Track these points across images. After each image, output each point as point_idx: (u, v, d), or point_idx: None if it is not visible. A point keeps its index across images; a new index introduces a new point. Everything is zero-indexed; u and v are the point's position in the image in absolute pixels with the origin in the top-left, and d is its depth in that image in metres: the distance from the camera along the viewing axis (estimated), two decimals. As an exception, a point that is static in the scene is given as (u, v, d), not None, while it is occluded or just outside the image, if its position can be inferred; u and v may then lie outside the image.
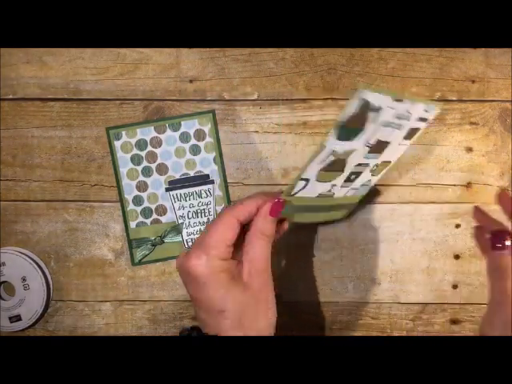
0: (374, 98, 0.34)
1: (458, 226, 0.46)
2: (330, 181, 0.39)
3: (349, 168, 0.39)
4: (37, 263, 0.46)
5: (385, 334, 0.47)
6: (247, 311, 0.34)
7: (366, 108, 0.34)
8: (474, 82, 0.46)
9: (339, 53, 0.46)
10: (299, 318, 0.47)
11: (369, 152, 0.38)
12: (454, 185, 0.46)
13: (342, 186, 0.40)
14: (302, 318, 0.47)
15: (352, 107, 0.33)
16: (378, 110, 0.34)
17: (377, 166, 0.40)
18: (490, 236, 0.35)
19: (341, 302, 0.47)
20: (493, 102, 0.46)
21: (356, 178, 0.40)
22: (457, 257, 0.47)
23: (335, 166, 0.37)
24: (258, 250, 0.34)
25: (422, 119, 0.38)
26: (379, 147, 0.38)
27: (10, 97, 0.47)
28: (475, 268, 0.46)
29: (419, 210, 0.46)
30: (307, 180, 0.37)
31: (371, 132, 0.36)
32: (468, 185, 0.46)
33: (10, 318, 0.46)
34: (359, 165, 0.39)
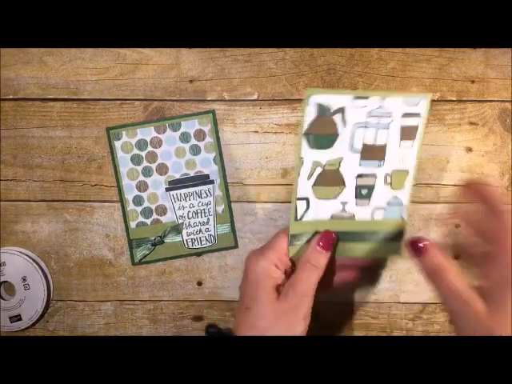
0: (327, 99, 0.34)
1: (457, 226, 0.46)
2: (333, 197, 0.37)
3: (349, 181, 0.37)
4: (37, 263, 0.46)
5: (384, 334, 0.47)
6: (269, 320, 0.35)
7: (324, 111, 0.34)
8: (473, 82, 0.46)
9: (339, 53, 0.46)
10: (299, 317, 0.47)
11: (362, 159, 0.37)
12: (454, 185, 0.46)
13: (358, 205, 0.38)
14: (302, 317, 0.47)
15: (308, 114, 0.34)
16: (339, 111, 0.34)
17: (390, 176, 0.37)
18: (408, 246, 0.36)
19: (341, 302, 0.47)
20: (492, 102, 0.46)
21: (370, 192, 0.38)
22: (457, 257, 0.47)
23: (329, 179, 0.37)
24: (301, 276, 0.36)
25: (411, 114, 0.36)
26: (373, 152, 0.37)
27: (11, 97, 0.47)
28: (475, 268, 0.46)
29: (419, 210, 0.46)
30: (306, 199, 0.37)
31: (349, 136, 0.36)
32: (468, 185, 0.46)
33: (10, 318, 0.46)
34: (361, 176, 0.37)
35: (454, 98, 0.46)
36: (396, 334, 0.47)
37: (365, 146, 0.36)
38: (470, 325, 0.31)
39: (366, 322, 0.47)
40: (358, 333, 0.47)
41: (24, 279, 0.46)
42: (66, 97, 0.47)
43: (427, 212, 0.46)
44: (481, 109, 0.46)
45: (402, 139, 0.37)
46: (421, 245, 0.34)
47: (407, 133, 0.36)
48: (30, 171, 0.47)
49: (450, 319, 0.34)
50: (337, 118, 0.35)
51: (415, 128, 0.36)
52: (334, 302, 0.47)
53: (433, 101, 0.46)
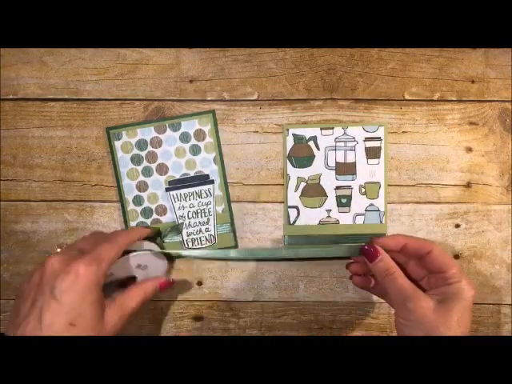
0: (301, 131, 0.45)
1: (457, 225, 0.46)
2: (319, 206, 0.46)
3: (330, 192, 0.46)
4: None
5: (385, 334, 0.47)
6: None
7: (300, 139, 0.45)
8: (473, 82, 0.46)
9: (339, 53, 0.46)
10: (299, 318, 0.47)
11: (337, 174, 0.45)
12: (454, 185, 0.46)
13: (340, 212, 0.46)
14: (302, 318, 0.47)
15: (288, 142, 0.45)
16: (312, 138, 0.45)
17: (364, 187, 0.45)
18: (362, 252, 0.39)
19: (341, 302, 0.47)
20: (492, 102, 0.46)
21: (348, 201, 0.46)
22: (457, 257, 0.47)
23: (312, 191, 0.46)
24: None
25: (372, 138, 0.45)
26: (346, 168, 0.45)
27: (11, 97, 0.47)
28: (475, 268, 0.46)
29: (419, 210, 0.46)
30: (296, 207, 0.46)
31: (323, 156, 0.45)
32: (468, 185, 0.46)
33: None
34: (339, 188, 0.45)
35: (454, 98, 0.46)
36: (396, 334, 0.47)
37: (338, 163, 0.45)
38: (415, 317, 0.35)
39: (366, 322, 0.47)
40: (358, 333, 0.47)
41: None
42: (66, 97, 0.47)
43: (427, 212, 0.46)
44: (481, 109, 0.46)
45: (368, 158, 0.45)
46: (371, 249, 0.38)
47: (372, 152, 0.45)
48: (30, 171, 0.47)
49: (395, 315, 0.37)
50: (311, 143, 0.45)
51: (378, 148, 0.45)
52: (333, 302, 0.47)
53: (433, 101, 0.46)
